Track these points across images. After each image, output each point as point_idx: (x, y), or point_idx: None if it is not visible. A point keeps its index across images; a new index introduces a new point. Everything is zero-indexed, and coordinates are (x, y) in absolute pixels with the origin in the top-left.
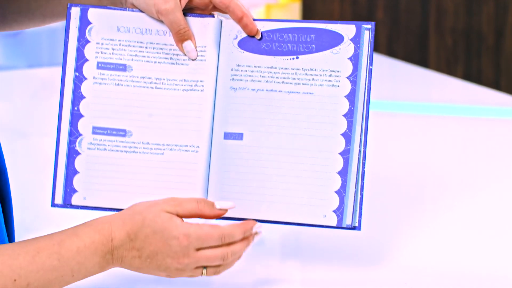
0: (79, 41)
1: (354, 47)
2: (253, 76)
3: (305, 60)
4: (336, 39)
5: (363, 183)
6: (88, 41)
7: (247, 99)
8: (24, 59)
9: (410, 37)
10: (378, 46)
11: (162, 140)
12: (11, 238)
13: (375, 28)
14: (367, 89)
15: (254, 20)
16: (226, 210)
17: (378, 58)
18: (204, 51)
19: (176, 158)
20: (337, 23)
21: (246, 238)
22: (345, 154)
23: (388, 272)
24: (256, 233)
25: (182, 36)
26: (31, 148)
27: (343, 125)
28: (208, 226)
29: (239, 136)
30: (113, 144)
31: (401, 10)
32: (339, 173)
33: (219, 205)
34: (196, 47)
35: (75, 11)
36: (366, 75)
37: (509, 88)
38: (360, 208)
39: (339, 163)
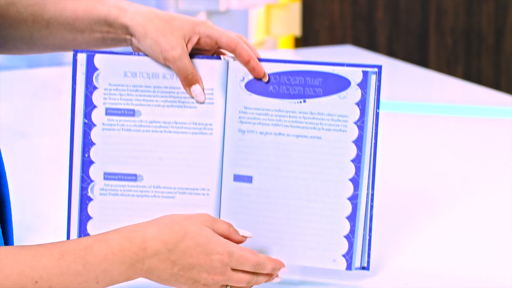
0: (86, 87)
1: (361, 92)
2: (261, 119)
3: (312, 104)
4: (343, 84)
5: (371, 225)
6: (95, 88)
7: (256, 142)
8: (24, 59)
9: (410, 37)
10: (378, 46)
11: (173, 184)
12: (9, 240)
13: (375, 28)
14: (374, 133)
15: (261, 60)
16: (246, 238)
17: (378, 58)
18: (212, 93)
19: (187, 201)
20: (344, 66)
21: (270, 274)
22: (354, 199)
23: (388, 272)
24: (277, 275)
25: (190, 81)
26: (30, 148)
27: (351, 170)
28: (248, 251)
29: (248, 179)
30: (125, 189)
31: (401, 10)
32: (347, 218)
33: (241, 232)
34: (203, 90)
35: (81, 58)
36: (373, 119)
37: (509, 88)
38: (369, 249)
39: (348, 208)
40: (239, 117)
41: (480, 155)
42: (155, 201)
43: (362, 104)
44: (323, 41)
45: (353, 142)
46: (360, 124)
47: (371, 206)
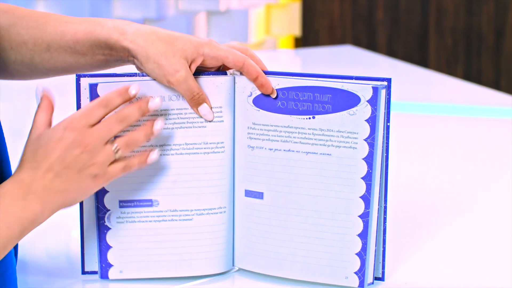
0: None
1: (371, 108)
2: (270, 135)
3: (321, 120)
4: (352, 100)
5: (385, 237)
6: None
7: (265, 159)
8: None
9: (410, 37)
10: (378, 46)
11: (190, 206)
12: None
13: (375, 29)
14: (385, 149)
15: (268, 74)
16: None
17: (378, 58)
18: (221, 111)
19: (205, 222)
20: (353, 82)
21: (137, 103)
22: (365, 217)
23: (387, 272)
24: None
25: (196, 101)
26: None
27: (362, 188)
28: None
29: (259, 195)
30: (142, 215)
31: (401, 10)
32: (359, 235)
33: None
34: (211, 108)
35: (85, 83)
36: (384, 135)
37: (509, 88)
38: (383, 260)
39: (359, 226)
40: (248, 133)
41: (480, 155)
42: (173, 225)
43: (372, 121)
44: (323, 41)
45: (363, 159)
46: (371, 141)
47: (384, 219)
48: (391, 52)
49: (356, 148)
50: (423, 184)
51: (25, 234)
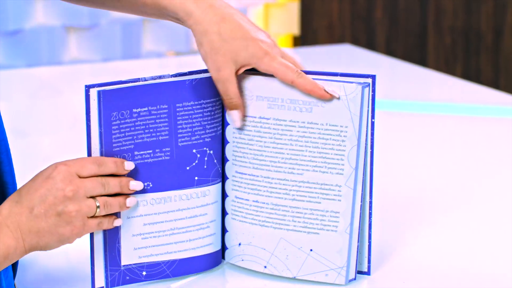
0: (100, 125)
1: (354, 105)
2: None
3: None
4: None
5: (371, 231)
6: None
7: (254, 160)
8: (23, 58)
9: (409, 36)
10: (377, 46)
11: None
12: None
13: (374, 28)
14: (370, 146)
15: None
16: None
17: (377, 57)
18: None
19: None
20: (338, 77)
21: (121, 179)
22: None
23: (386, 270)
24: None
25: (228, 105)
26: (30, 147)
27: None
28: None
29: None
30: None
31: (400, 10)
32: (341, 232)
33: (132, 186)
34: (244, 117)
35: (93, 93)
36: (367, 131)
37: (508, 87)
38: (369, 254)
39: (342, 223)
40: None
41: (479, 154)
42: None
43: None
44: (322, 40)
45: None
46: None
47: (370, 214)
48: (390, 51)
49: (344, 142)
50: (422, 183)
51: None
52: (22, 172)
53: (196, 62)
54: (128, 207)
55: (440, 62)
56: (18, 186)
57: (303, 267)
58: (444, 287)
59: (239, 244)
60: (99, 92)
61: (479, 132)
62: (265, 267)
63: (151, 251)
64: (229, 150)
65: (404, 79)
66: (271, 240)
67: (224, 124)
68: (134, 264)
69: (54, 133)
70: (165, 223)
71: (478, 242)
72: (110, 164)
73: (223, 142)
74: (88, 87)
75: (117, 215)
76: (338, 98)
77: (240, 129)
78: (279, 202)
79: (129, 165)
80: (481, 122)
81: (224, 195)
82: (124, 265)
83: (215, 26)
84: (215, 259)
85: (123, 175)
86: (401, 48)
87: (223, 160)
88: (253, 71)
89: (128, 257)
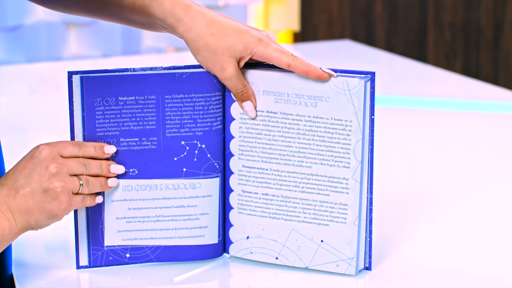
0: (82, 110)
1: (357, 101)
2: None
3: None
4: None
5: (371, 227)
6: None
7: (260, 149)
8: (23, 54)
9: (409, 32)
10: (376, 41)
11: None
12: None
13: (374, 23)
14: (370, 142)
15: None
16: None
17: (377, 53)
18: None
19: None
20: (337, 73)
21: (102, 162)
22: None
23: (385, 266)
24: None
25: (241, 98)
26: (29, 143)
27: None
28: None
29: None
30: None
31: (399, 5)
32: (350, 224)
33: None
34: (256, 107)
35: (76, 79)
36: (369, 126)
37: (507, 82)
38: (370, 250)
39: (351, 215)
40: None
41: (479, 150)
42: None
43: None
44: (322, 36)
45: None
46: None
47: (370, 210)
48: (390, 47)
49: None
50: (421, 179)
51: None
52: None
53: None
54: (109, 187)
55: (439, 58)
56: None
57: (314, 258)
58: (444, 284)
59: (247, 238)
60: (81, 77)
61: (478, 128)
62: (276, 258)
63: (135, 235)
64: (234, 145)
65: (404, 75)
66: (282, 231)
67: (226, 119)
68: (117, 245)
69: (53, 128)
70: (150, 209)
71: (477, 238)
72: (90, 148)
73: (225, 137)
74: (70, 73)
75: (103, 196)
76: (336, 77)
77: (247, 123)
78: (289, 194)
79: (109, 149)
80: (480, 118)
81: (227, 190)
82: (107, 246)
83: (206, 29)
84: (208, 252)
85: (106, 159)
86: (401, 44)
87: (225, 155)
88: (259, 67)
89: (111, 239)
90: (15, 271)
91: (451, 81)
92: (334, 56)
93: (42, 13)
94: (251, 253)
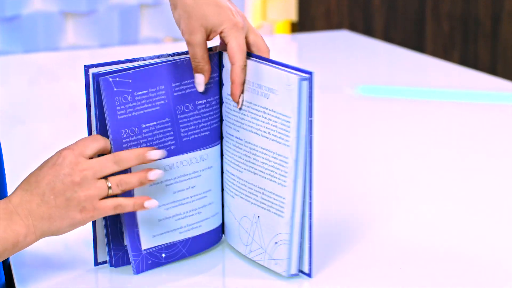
0: (99, 108)
1: (296, 98)
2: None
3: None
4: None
5: (311, 231)
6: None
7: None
8: (21, 44)
9: (407, 23)
10: (374, 32)
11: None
12: None
13: (372, 14)
14: (309, 143)
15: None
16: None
17: (375, 43)
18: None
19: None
20: (279, 66)
21: (137, 150)
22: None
23: (383, 255)
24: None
25: (195, 68)
26: (28, 133)
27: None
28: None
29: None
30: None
31: None
32: (285, 224)
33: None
34: (206, 82)
35: (93, 79)
36: (306, 127)
37: (505, 73)
38: (310, 255)
39: (286, 214)
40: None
41: (476, 140)
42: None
43: (297, 111)
44: (320, 27)
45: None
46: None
47: (310, 215)
48: (388, 38)
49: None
50: (418, 168)
51: (5, 255)
52: (20, 158)
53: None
54: (151, 181)
55: (438, 48)
56: (8, 180)
57: (259, 253)
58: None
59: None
60: (100, 79)
61: (476, 118)
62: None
63: (165, 228)
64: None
65: (402, 66)
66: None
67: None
68: (153, 247)
69: (51, 119)
70: (170, 195)
71: (474, 226)
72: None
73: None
74: (87, 67)
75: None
76: (240, 109)
77: (228, 107)
78: (235, 172)
79: (155, 155)
80: (478, 108)
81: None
82: (145, 249)
83: None
84: (218, 235)
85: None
86: (399, 34)
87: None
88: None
89: (147, 241)
90: (15, 271)
91: (449, 71)
92: (332, 46)
93: (39, 3)
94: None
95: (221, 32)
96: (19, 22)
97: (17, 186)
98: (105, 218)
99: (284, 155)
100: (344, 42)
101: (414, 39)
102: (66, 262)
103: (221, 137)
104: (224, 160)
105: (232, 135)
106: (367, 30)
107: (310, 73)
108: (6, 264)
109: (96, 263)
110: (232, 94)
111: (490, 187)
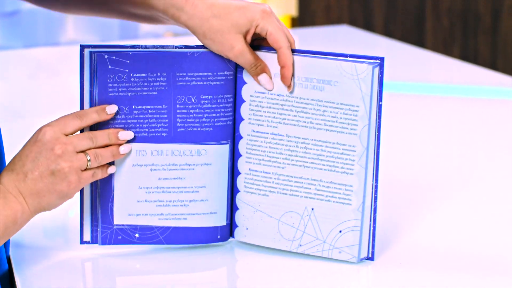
0: (91, 85)
1: (366, 86)
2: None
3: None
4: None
5: (375, 216)
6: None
7: (267, 137)
8: (21, 39)
9: (407, 18)
10: (374, 27)
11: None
12: None
13: (372, 9)
14: (377, 129)
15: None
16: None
17: (375, 38)
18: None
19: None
20: (348, 59)
21: (108, 131)
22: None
23: (383, 251)
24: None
25: (255, 72)
26: (27, 128)
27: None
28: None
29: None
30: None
31: None
32: (354, 211)
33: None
34: (271, 78)
35: (87, 53)
36: (376, 112)
37: (505, 68)
38: (373, 240)
39: (356, 201)
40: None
41: (477, 135)
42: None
43: (366, 99)
44: (320, 22)
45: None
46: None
47: (375, 198)
48: (388, 33)
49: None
50: (419, 163)
51: (8, 234)
52: None
53: (193, 44)
54: (122, 155)
55: (438, 43)
56: None
57: (317, 245)
58: (446, 271)
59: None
60: (93, 52)
61: (476, 113)
62: (276, 243)
63: (145, 210)
64: (244, 127)
65: (402, 60)
66: (283, 215)
67: (236, 102)
68: (127, 225)
69: (51, 114)
70: (158, 180)
71: (475, 221)
72: (92, 115)
73: (236, 119)
74: (82, 47)
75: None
76: (291, 91)
77: (257, 106)
78: (294, 172)
79: (111, 109)
80: (478, 103)
81: (235, 173)
82: (116, 225)
83: (208, 12)
84: (215, 235)
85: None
86: (399, 29)
87: (235, 137)
88: (264, 49)
89: (120, 217)
90: (12, 253)
91: (449, 66)
92: (332, 41)
93: None
94: (247, 228)
95: (256, 27)
96: (19, 17)
97: (4, 168)
98: (95, 194)
99: (349, 143)
100: (344, 37)
101: (414, 34)
102: (49, 247)
103: (234, 137)
104: (246, 160)
105: (265, 132)
106: (367, 25)
107: (381, 58)
108: (8, 253)
109: (82, 241)
110: (284, 78)
111: (491, 182)
